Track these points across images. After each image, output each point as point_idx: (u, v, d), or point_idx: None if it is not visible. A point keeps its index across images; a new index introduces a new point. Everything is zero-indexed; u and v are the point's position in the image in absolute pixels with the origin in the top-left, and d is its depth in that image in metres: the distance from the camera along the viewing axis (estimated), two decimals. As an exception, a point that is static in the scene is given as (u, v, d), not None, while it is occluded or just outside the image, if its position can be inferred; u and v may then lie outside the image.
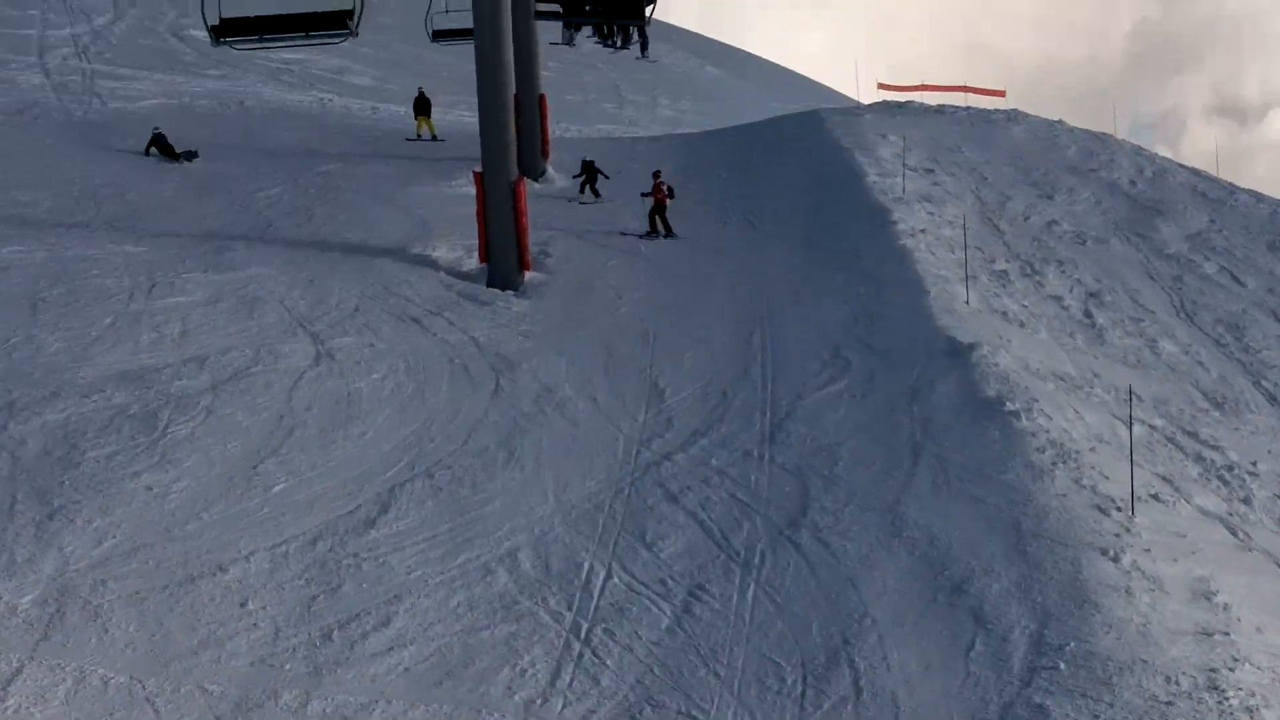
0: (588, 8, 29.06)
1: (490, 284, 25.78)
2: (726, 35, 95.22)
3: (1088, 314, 27.96)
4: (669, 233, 30.22)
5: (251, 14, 21.30)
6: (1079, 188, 37.86)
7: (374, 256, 26.08)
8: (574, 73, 65.02)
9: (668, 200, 30.46)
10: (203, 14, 21.37)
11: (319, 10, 21.59)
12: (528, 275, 26.45)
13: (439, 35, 37.51)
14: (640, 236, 30.15)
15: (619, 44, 33.17)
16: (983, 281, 27.41)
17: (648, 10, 27.50)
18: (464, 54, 28.55)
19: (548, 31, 37.81)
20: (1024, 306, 27.11)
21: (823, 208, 32.10)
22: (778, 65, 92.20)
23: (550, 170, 36.41)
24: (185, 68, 46.25)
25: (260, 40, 21.70)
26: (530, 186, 33.61)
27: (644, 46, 31.68)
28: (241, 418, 17.93)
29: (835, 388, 20.43)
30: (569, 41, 35.43)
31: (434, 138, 40.17)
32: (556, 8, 30.04)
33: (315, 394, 19.02)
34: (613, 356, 22.13)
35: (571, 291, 25.80)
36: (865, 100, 51.53)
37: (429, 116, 40.82)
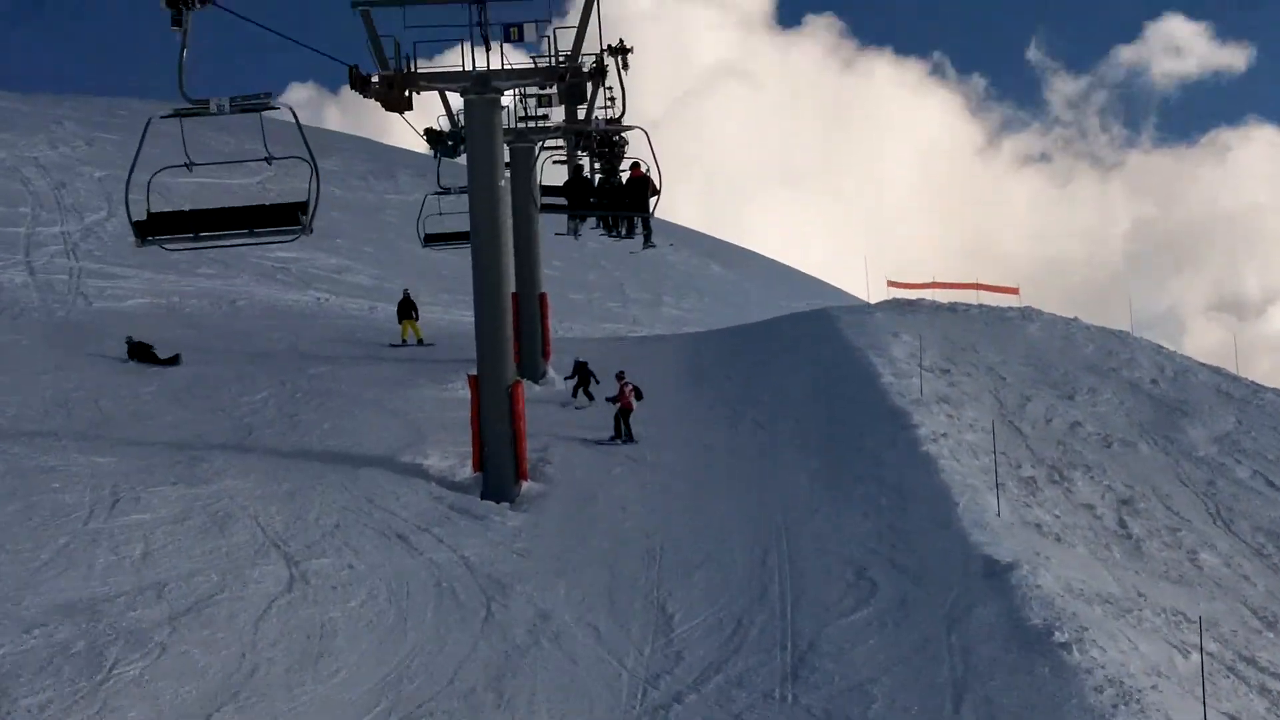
0: (592, 200, 28.56)
1: (484, 496, 23.99)
2: (730, 235, 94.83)
3: (1122, 523, 26.28)
4: (629, 437, 28.47)
5: (185, 208, 18.03)
6: (1100, 388, 36.49)
7: (360, 466, 24.29)
8: (578, 271, 64.25)
9: (634, 403, 28.72)
10: (126, 208, 17.25)
11: (266, 203, 17.80)
12: (525, 486, 24.67)
13: (431, 240, 36.26)
14: (603, 442, 28.40)
15: (623, 234, 31.98)
16: (1011, 490, 25.70)
17: (652, 203, 26.87)
18: (465, 251, 27.07)
19: (552, 223, 36.50)
20: (1056, 517, 25.36)
21: (837, 410, 30.46)
22: (783, 264, 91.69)
23: (551, 372, 34.95)
24: (176, 266, 44.93)
25: (195, 240, 17.35)
26: (530, 389, 32.14)
27: (647, 237, 30.89)
28: (199, 655, 15.89)
29: (863, 614, 18.45)
30: (574, 233, 34.46)
31: (420, 342, 38.54)
32: (561, 200, 29.31)
33: (284, 626, 17.02)
34: (616, 577, 20.21)
35: (572, 503, 23.98)
36: (874, 298, 50.33)
37: (415, 320, 39.19)
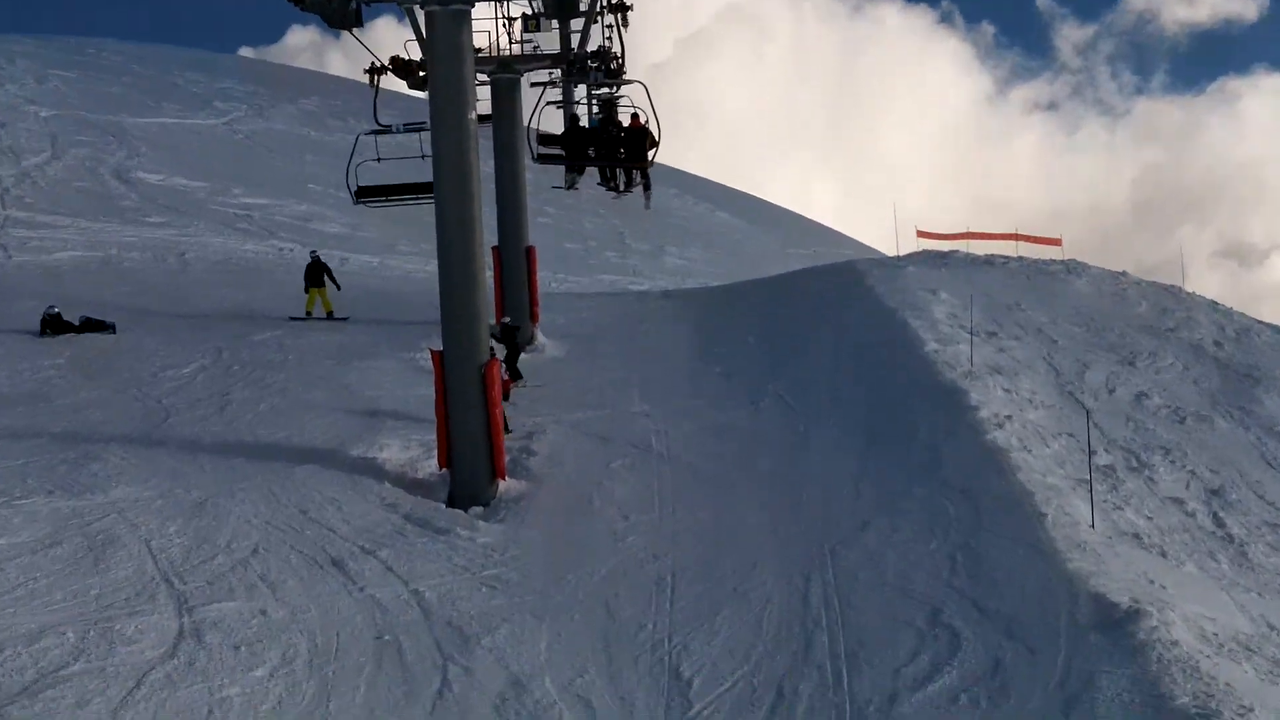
0: (590, 151, 26.70)
1: (452, 501, 19.31)
2: (736, 182, 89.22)
3: (1218, 521, 22.02)
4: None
5: None
6: (1160, 351, 32.08)
7: (296, 462, 19.54)
8: (573, 219, 59.32)
9: (511, 386, 23.00)
10: None
11: None
12: (503, 486, 19.95)
13: (365, 194, 27.72)
14: None
15: (621, 188, 29.00)
16: (1095, 488, 21.07)
17: (650, 155, 25.62)
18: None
19: (550, 175, 32.77)
20: (1149, 520, 20.82)
21: (878, 385, 25.69)
22: (793, 212, 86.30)
23: (540, 337, 30.13)
24: (122, 214, 40.20)
25: None
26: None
27: (646, 188, 28.30)
28: (21, 769, 11.24)
29: (945, 682, 13.75)
30: (571, 185, 31.16)
31: (329, 315, 31.38)
32: (558, 151, 26.79)
33: (156, 715, 12.33)
34: (615, 621, 15.51)
35: (560, 511, 19.23)
36: (900, 249, 45.12)
37: (324, 287, 31.79)
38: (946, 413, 23.25)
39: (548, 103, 28.75)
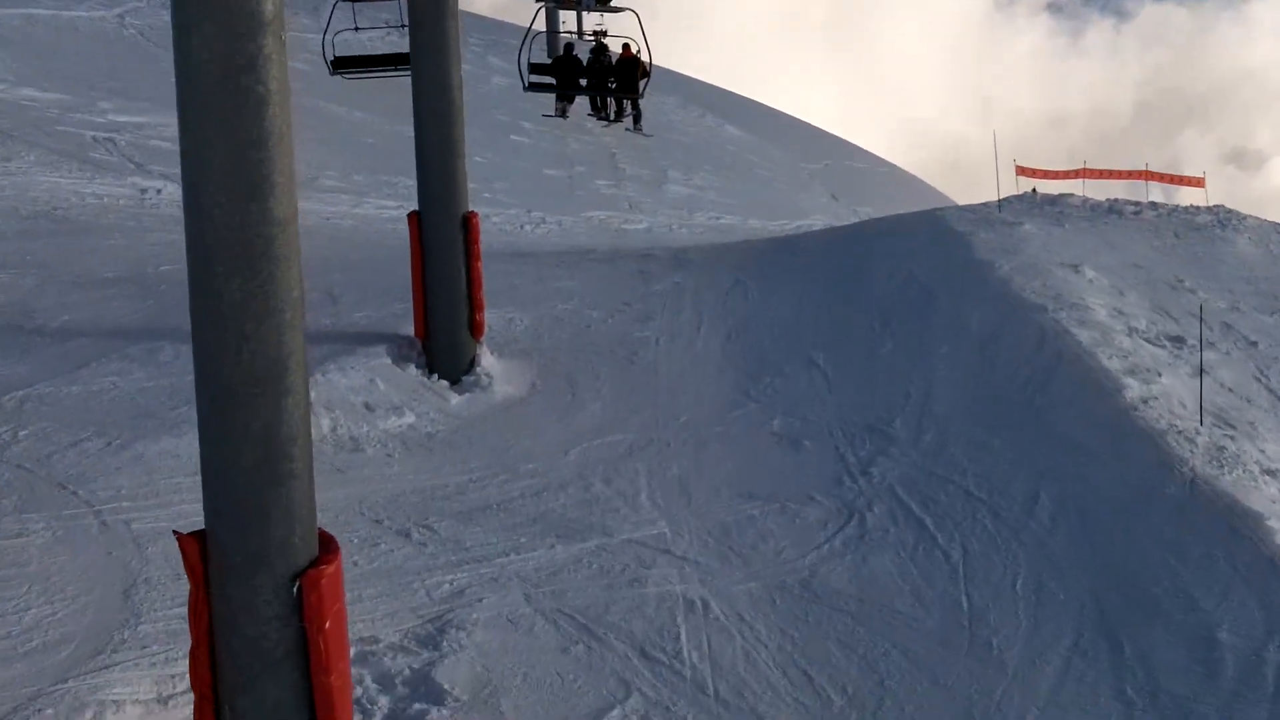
0: (581, 81, 26.33)
1: None
2: (733, 85, 76.59)
3: None
4: None
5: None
6: (1379, 350, 21.91)
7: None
8: (555, 138, 47.57)
9: None
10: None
11: None
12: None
13: (342, 65, 23.95)
14: None
15: (611, 118, 27.24)
16: None
17: (641, 85, 25.22)
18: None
19: (539, 104, 31.03)
20: None
21: (1074, 485, 14.49)
22: (811, 125, 74.06)
23: (484, 360, 18.65)
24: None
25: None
26: (443, 402, 16.86)
27: (637, 119, 26.77)
28: None
29: None
30: (562, 114, 28.24)
31: None
32: (549, 80, 26.09)
33: None
34: None
35: None
36: (995, 193, 33.14)
37: None
38: (1248, 576, 12.08)
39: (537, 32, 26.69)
